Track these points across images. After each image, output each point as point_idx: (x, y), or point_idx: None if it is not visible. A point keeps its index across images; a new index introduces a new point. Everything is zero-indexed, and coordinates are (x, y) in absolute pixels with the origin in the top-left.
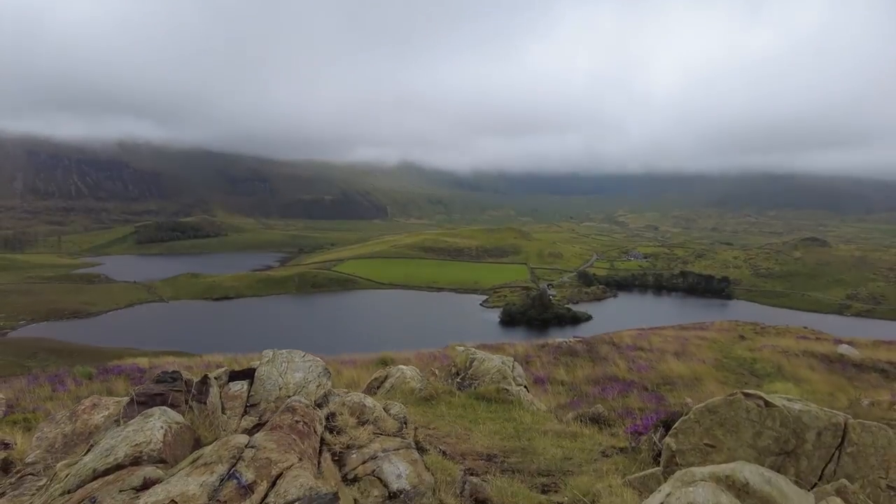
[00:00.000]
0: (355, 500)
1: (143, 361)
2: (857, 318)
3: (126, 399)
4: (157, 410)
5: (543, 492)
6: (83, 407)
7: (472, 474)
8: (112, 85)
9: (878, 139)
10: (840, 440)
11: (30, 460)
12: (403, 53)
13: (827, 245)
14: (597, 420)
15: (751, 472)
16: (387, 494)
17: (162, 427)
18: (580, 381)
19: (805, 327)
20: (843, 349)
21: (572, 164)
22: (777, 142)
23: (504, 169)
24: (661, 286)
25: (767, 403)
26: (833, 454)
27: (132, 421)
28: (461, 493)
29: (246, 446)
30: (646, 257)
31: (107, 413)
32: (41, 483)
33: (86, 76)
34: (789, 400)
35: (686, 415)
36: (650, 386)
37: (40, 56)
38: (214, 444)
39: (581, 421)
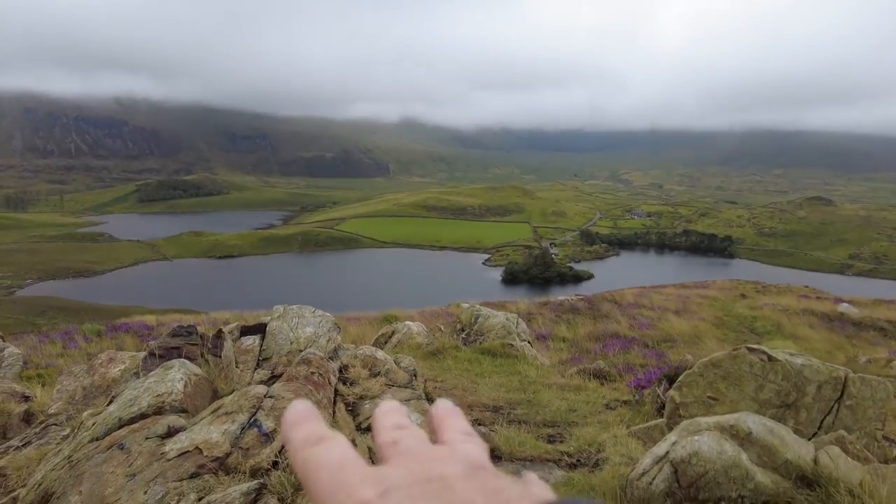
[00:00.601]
0: (369, 448)
1: (150, 319)
2: (858, 278)
3: (142, 353)
4: (176, 362)
5: (549, 442)
6: (100, 361)
7: (479, 425)
8: (106, 40)
9: (887, 95)
10: (840, 393)
11: (52, 411)
12: (401, 4)
13: (832, 204)
14: (599, 375)
15: (754, 422)
16: None
17: (182, 378)
18: (582, 338)
19: (806, 286)
20: (844, 308)
21: (577, 120)
22: (784, 97)
23: (507, 126)
24: (663, 245)
25: (770, 358)
26: (832, 407)
27: (152, 373)
28: None
29: (265, 396)
30: (649, 216)
31: (123, 367)
32: (65, 433)
33: (79, 31)
34: (792, 355)
35: (690, 369)
36: (651, 343)
37: (32, 9)
38: (234, 394)
39: (583, 376)
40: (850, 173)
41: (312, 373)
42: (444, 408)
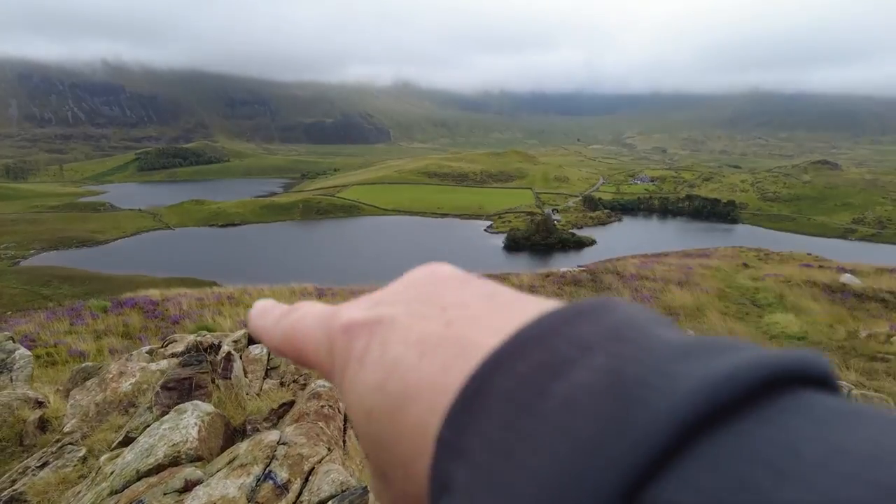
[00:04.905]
0: None
1: (154, 293)
2: (861, 243)
3: (153, 365)
4: (189, 406)
5: None
6: (111, 375)
7: None
8: (85, 3)
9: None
10: None
11: (68, 429)
12: None
13: (838, 168)
14: None
15: None
16: None
17: (196, 423)
18: None
19: (809, 254)
20: (846, 279)
21: (575, 81)
22: (785, 56)
23: (507, 88)
24: (666, 210)
25: None
26: None
27: (166, 417)
28: None
29: (278, 443)
30: (652, 181)
31: (133, 381)
32: (81, 453)
33: None
34: None
35: None
36: None
37: None
38: (248, 443)
39: None
40: (857, 136)
41: (322, 406)
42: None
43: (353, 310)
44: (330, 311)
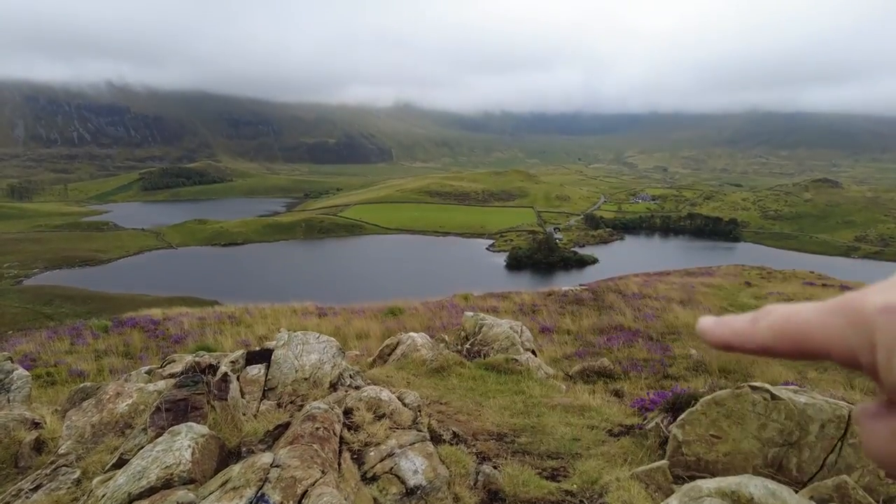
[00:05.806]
0: (375, 498)
1: (156, 313)
2: (864, 261)
3: (150, 385)
4: (183, 427)
5: (553, 477)
6: (108, 396)
7: (483, 458)
8: (87, 25)
9: (892, 71)
10: (843, 432)
11: (63, 451)
12: None
13: (838, 186)
14: (602, 373)
15: (755, 487)
16: (404, 491)
17: (189, 445)
18: (586, 331)
19: (811, 272)
20: None
21: (575, 102)
22: (784, 76)
23: (507, 109)
24: (668, 228)
25: (773, 396)
26: (835, 445)
27: (160, 439)
28: (475, 485)
29: (271, 466)
30: (654, 199)
31: (130, 402)
32: (75, 475)
33: (59, 15)
34: (795, 392)
35: (692, 406)
36: (655, 335)
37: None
38: (241, 465)
39: (586, 376)
40: (857, 154)
41: (318, 428)
42: None
43: (882, 295)
44: (839, 302)
